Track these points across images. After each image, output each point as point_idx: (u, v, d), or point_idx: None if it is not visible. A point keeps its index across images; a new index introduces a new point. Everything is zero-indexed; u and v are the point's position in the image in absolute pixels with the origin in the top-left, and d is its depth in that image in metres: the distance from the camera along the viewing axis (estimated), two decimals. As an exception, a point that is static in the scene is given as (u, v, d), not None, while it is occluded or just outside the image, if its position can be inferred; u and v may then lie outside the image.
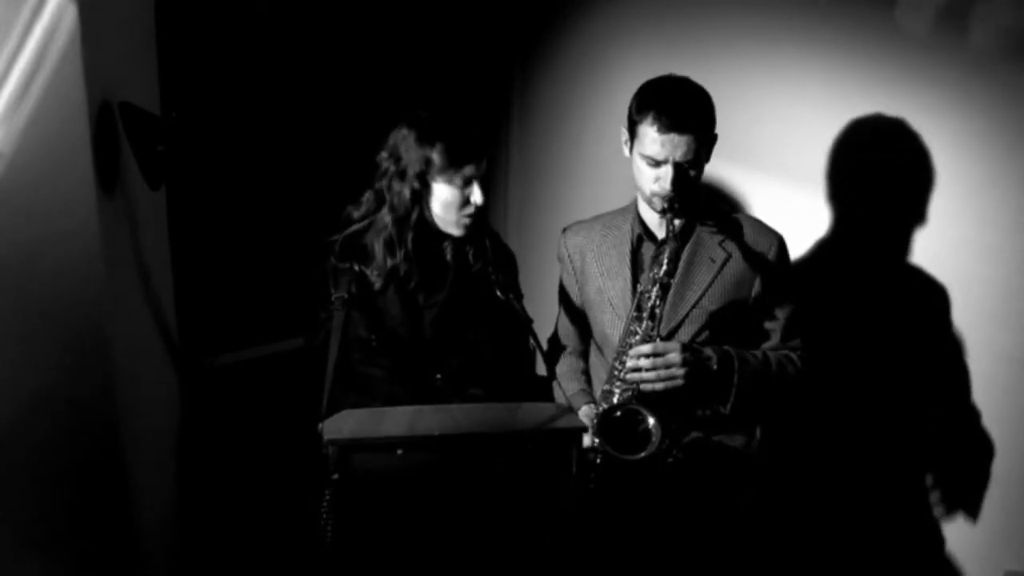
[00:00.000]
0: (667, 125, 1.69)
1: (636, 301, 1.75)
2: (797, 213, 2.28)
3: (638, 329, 1.73)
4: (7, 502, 1.41)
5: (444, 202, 1.78)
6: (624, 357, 1.74)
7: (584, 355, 2.08)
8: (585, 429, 1.59)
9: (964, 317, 2.07)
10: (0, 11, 1.34)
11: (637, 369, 1.71)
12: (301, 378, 1.81)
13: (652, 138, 1.71)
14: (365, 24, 2.67)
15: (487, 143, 1.81)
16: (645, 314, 1.71)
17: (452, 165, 1.75)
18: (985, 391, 2.07)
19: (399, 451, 1.41)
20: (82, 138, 1.46)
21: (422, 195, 1.78)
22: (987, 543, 2.10)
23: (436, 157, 1.75)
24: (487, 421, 1.59)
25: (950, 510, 2.16)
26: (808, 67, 2.26)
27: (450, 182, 1.76)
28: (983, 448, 2.07)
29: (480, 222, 1.82)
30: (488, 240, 1.89)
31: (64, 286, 1.47)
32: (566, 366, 2.07)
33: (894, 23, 2.09)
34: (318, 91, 2.58)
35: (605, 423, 1.70)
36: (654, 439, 1.66)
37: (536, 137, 3.04)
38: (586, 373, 2.05)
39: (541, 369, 1.97)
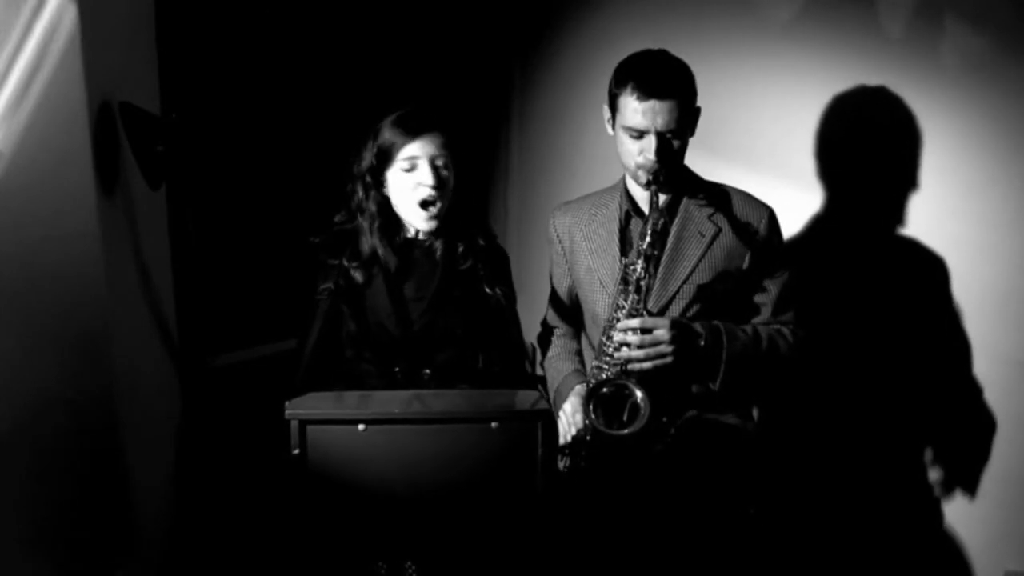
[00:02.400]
0: (647, 92, 1.67)
1: (622, 274, 1.73)
2: (794, 212, 2.28)
3: (624, 303, 1.71)
4: (7, 502, 1.41)
5: (396, 189, 1.79)
6: (611, 332, 1.72)
7: (577, 335, 2.06)
8: (551, 412, 1.59)
9: (963, 317, 2.07)
10: (0, 11, 1.34)
11: (625, 344, 1.69)
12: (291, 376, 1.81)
13: (633, 108, 1.69)
14: (365, 24, 2.66)
15: (431, 121, 1.78)
16: (631, 287, 1.70)
17: (395, 148, 1.76)
18: (985, 391, 2.07)
19: (361, 427, 1.42)
20: (82, 138, 1.46)
21: (372, 188, 1.81)
22: (987, 542, 2.10)
23: (382, 144, 1.78)
24: (454, 403, 1.61)
25: (949, 491, 2.15)
26: (807, 67, 2.26)
27: (396, 166, 1.77)
28: (984, 426, 2.06)
29: (442, 212, 1.80)
30: (481, 238, 1.89)
31: (64, 286, 1.47)
32: (559, 347, 2.05)
33: (893, 23, 2.09)
34: (318, 92, 2.57)
35: (593, 399, 1.69)
36: (643, 414, 1.65)
37: (536, 137, 3.04)
38: (580, 353, 2.03)
39: (531, 365, 1.97)
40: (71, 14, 1.41)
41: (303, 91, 2.54)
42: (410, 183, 1.77)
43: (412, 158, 1.76)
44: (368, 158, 1.81)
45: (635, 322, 1.68)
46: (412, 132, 1.76)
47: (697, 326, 1.74)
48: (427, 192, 1.76)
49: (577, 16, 2.82)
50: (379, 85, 2.64)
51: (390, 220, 1.84)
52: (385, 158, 1.78)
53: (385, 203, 1.83)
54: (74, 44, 1.42)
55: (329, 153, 2.50)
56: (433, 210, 1.78)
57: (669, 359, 1.69)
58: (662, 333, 1.68)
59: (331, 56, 2.60)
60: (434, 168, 1.76)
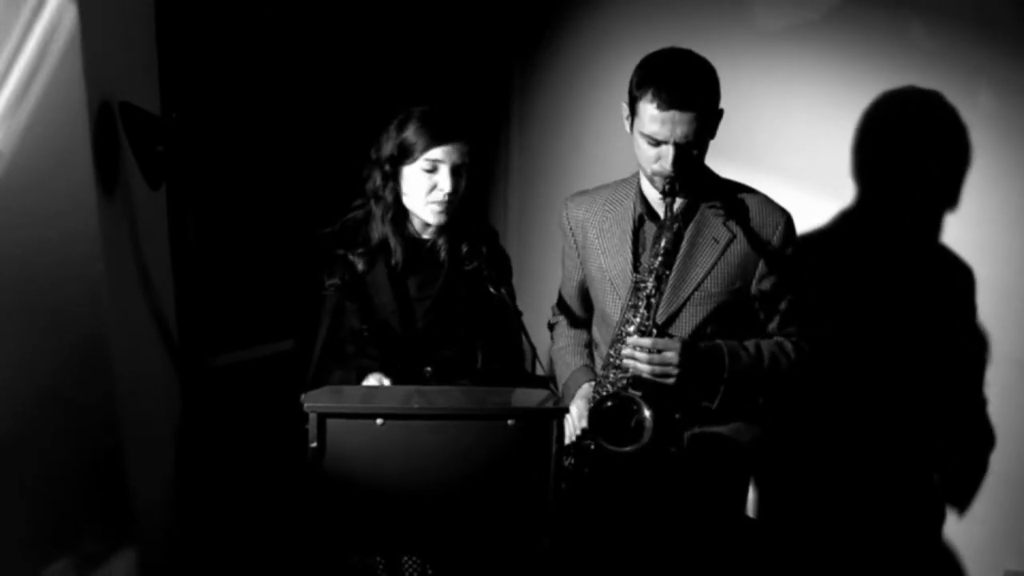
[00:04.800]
0: (667, 102, 1.61)
1: (632, 289, 1.73)
2: (798, 214, 2.28)
3: (634, 319, 1.71)
4: (8, 502, 1.41)
5: (412, 186, 1.79)
6: (619, 345, 1.72)
7: (587, 325, 2.04)
8: (567, 410, 1.59)
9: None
10: (0, 11, 1.34)
11: (633, 359, 1.69)
12: (294, 376, 1.82)
13: (652, 116, 1.63)
14: (365, 24, 2.66)
15: (461, 130, 1.78)
16: (641, 304, 1.69)
17: (419, 145, 1.76)
18: (985, 392, 2.07)
19: (379, 422, 1.42)
20: (82, 138, 1.46)
21: (390, 178, 1.80)
22: (987, 543, 2.10)
23: (407, 138, 1.77)
24: (470, 399, 1.62)
25: (949, 503, 2.16)
26: (809, 68, 2.26)
27: (417, 164, 1.77)
28: (984, 442, 2.07)
29: (455, 212, 1.81)
30: (484, 239, 1.89)
31: (64, 286, 1.47)
32: (568, 338, 2.04)
33: (896, 24, 2.09)
34: (318, 91, 2.57)
35: (598, 413, 1.70)
36: (647, 431, 1.65)
37: (536, 137, 3.04)
38: (589, 345, 2.02)
39: (531, 365, 1.97)
40: (71, 14, 1.41)
41: (303, 91, 2.55)
42: (427, 184, 1.77)
43: (435, 161, 1.76)
44: (389, 148, 1.80)
45: (647, 341, 1.68)
46: (441, 137, 1.76)
47: (702, 346, 1.74)
48: (443, 195, 1.77)
49: (577, 16, 2.82)
50: (379, 85, 2.64)
51: (401, 212, 1.84)
52: (407, 153, 1.78)
53: (399, 194, 1.83)
54: (74, 44, 1.42)
55: (329, 153, 2.50)
56: (447, 207, 1.79)
57: (671, 381, 1.69)
58: (671, 356, 1.68)
59: (331, 56, 2.60)
60: (455, 175, 1.77)
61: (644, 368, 1.68)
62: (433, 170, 1.76)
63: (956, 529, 2.15)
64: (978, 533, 2.11)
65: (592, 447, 1.73)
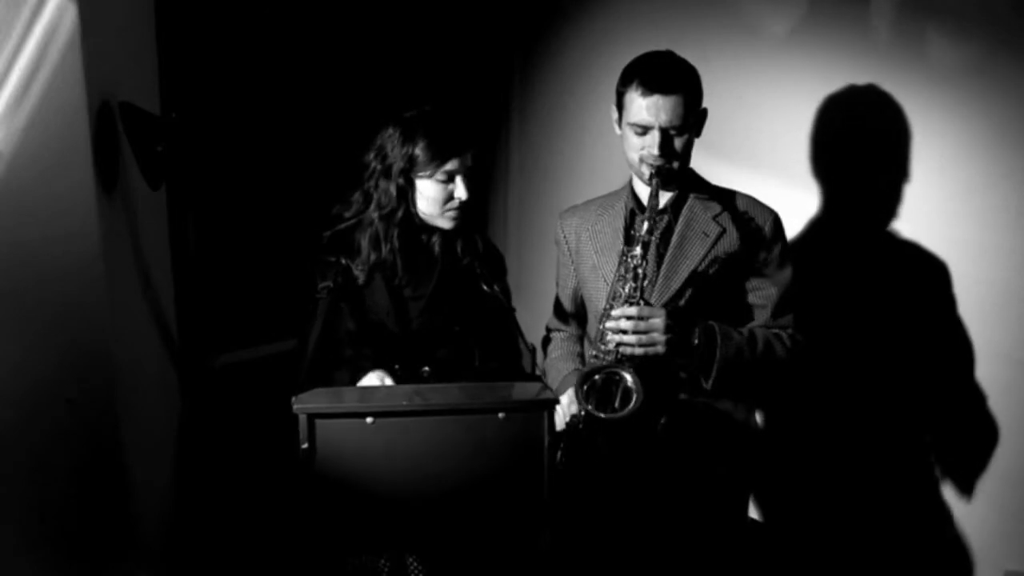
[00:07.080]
0: (651, 87, 1.70)
1: (620, 262, 1.74)
2: (796, 214, 2.28)
3: (622, 291, 1.72)
4: (7, 502, 1.41)
5: (429, 198, 1.80)
6: (607, 321, 1.73)
7: (580, 339, 2.06)
8: (557, 400, 1.60)
9: (964, 317, 2.08)
10: (0, 11, 1.34)
11: (619, 331, 1.69)
12: (292, 378, 1.82)
13: (638, 104, 1.71)
14: (365, 24, 2.67)
15: (471, 138, 1.80)
16: (629, 275, 1.70)
17: (434, 160, 1.76)
18: (984, 391, 2.07)
19: (369, 420, 1.42)
20: (82, 138, 1.46)
21: (407, 192, 1.80)
22: (987, 543, 2.11)
23: (419, 153, 1.77)
24: (460, 394, 1.61)
25: (949, 503, 2.16)
26: (807, 67, 2.26)
27: (433, 177, 1.77)
28: (984, 441, 2.07)
29: (468, 216, 1.83)
30: (478, 236, 1.90)
31: (64, 286, 1.47)
32: (561, 350, 2.05)
33: (892, 22, 2.09)
34: (318, 92, 2.58)
35: (586, 384, 1.70)
36: (636, 398, 1.65)
37: (536, 136, 3.04)
38: (582, 356, 2.03)
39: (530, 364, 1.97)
40: (71, 14, 1.42)
41: (303, 90, 2.55)
42: (444, 194, 1.78)
43: (451, 172, 1.78)
44: (397, 160, 1.79)
45: (632, 310, 1.68)
46: (455, 149, 1.77)
47: (691, 318, 1.74)
48: (459, 204, 1.79)
49: (577, 16, 2.82)
50: (379, 85, 2.64)
51: (406, 226, 1.84)
52: (419, 168, 1.78)
53: (407, 208, 1.83)
54: (74, 44, 1.42)
55: (329, 152, 2.50)
56: (463, 213, 1.81)
57: (660, 349, 1.69)
58: (657, 322, 1.68)
59: (331, 56, 2.61)
60: (469, 181, 1.79)
61: (630, 339, 1.68)
62: (449, 180, 1.78)
63: (956, 529, 2.15)
64: (978, 533, 2.11)
65: (581, 426, 1.73)
